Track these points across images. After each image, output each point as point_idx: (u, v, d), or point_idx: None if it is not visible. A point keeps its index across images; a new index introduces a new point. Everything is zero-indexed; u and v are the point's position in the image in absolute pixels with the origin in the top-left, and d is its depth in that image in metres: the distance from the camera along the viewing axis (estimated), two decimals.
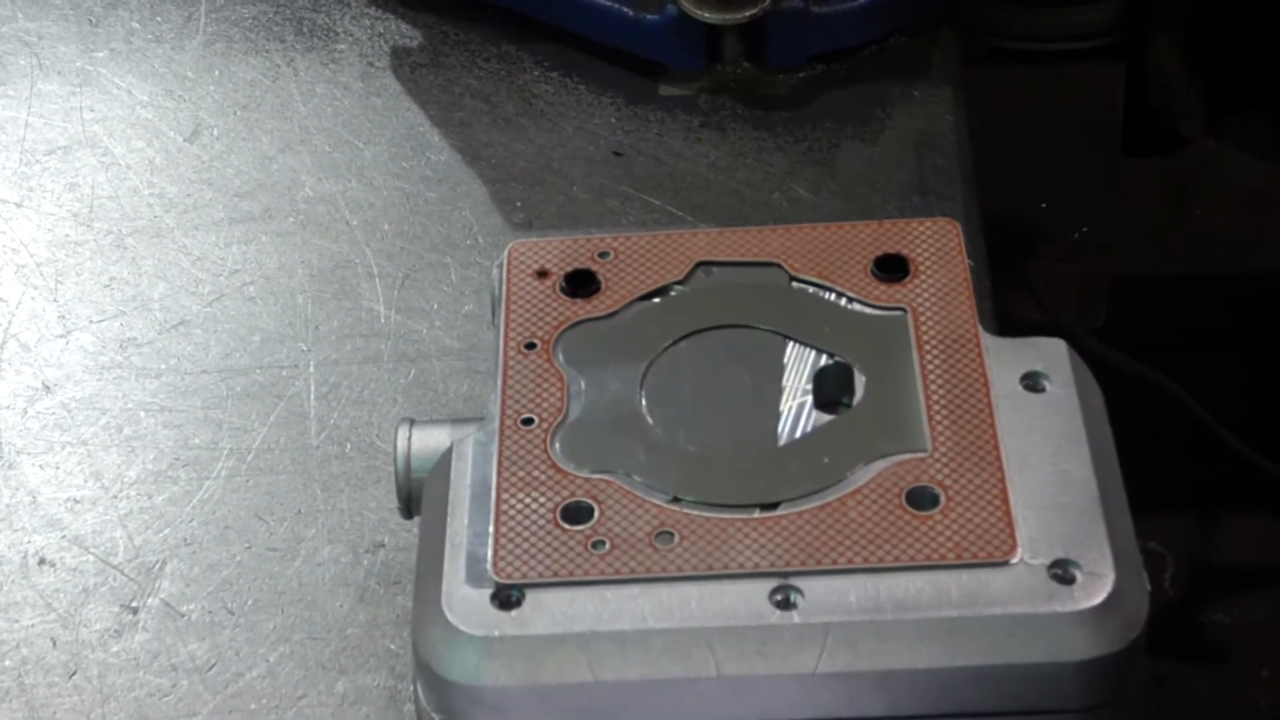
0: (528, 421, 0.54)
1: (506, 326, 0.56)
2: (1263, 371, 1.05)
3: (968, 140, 0.72)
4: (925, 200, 0.70)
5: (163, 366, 0.66)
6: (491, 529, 0.51)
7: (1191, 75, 1.11)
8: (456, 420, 0.56)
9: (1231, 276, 1.11)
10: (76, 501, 0.62)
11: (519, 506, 0.51)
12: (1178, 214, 1.13)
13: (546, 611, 0.49)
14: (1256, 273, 1.10)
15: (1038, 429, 0.53)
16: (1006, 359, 0.55)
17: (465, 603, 0.50)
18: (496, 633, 0.49)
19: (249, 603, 0.59)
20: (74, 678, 0.57)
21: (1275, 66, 1.08)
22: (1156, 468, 1.05)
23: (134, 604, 0.59)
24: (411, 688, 0.53)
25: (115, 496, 0.62)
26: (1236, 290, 1.09)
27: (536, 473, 0.52)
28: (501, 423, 0.54)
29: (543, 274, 0.58)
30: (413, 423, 0.56)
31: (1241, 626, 1.02)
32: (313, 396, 0.65)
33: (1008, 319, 0.68)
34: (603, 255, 0.58)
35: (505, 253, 0.58)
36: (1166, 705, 0.98)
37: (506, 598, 0.50)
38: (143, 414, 0.65)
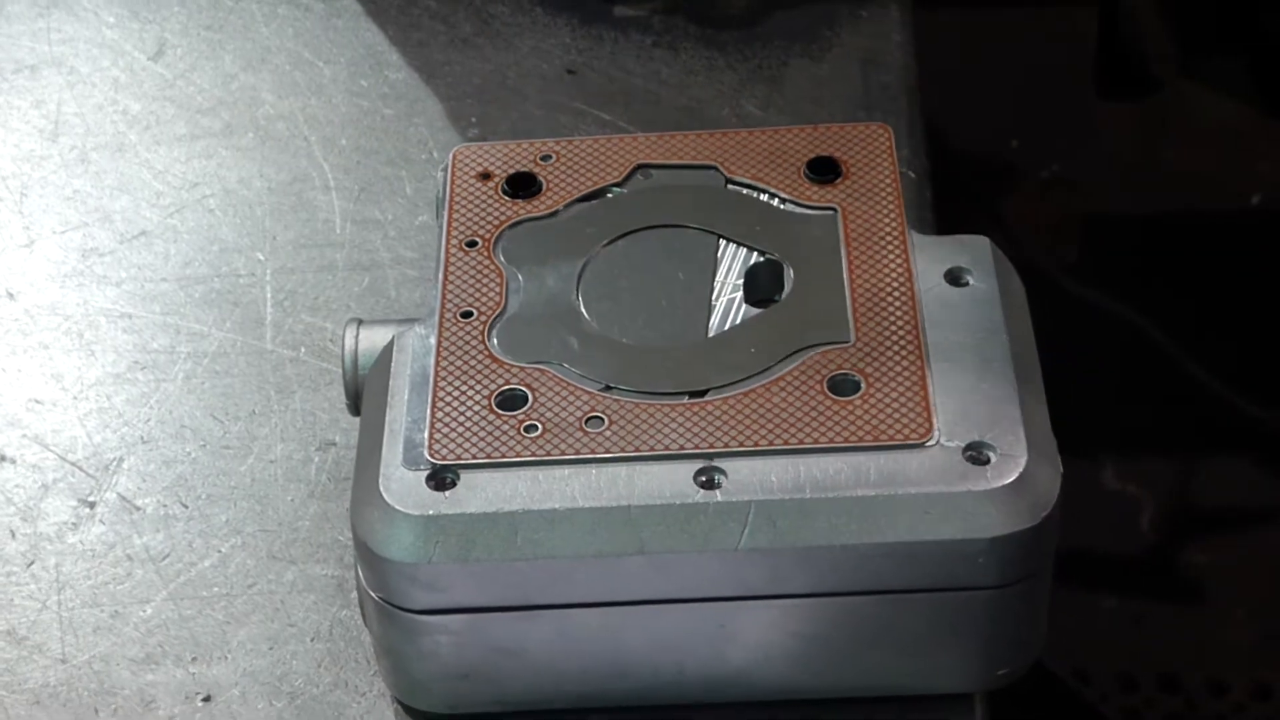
0: (466, 315, 0.55)
1: (449, 225, 0.58)
2: (1237, 310, 1.06)
3: (913, 59, 0.74)
4: (870, 116, 0.71)
5: (123, 275, 0.68)
6: (428, 414, 0.53)
7: (1163, 16, 1.12)
8: (403, 320, 0.58)
9: (1204, 215, 1.12)
10: (38, 402, 0.64)
11: (455, 394, 0.53)
12: (1150, 153, 1.14)
13: (480, 492, 0.51)
14: (1229, 211, 1.11)
15: (959, 321, 0.54)
16: (932, 255, 0.56)
17: (402, 484, 0.51)
18: (431, 512, 0.51)
19: (203, 497, 0.61)
20: (32, 567, 0.59)
21: (1245, 7, 1.10)
22: (1132, 408, 1.07)
23: (91, 498, 0.61)
24: (354, 571, 0.54)
25: (75, 397, 0.64)
26: (1209, 229, 1.11)
27: (474, 362, 0.54)
28: (441, 316, 0.55)
29: (486, 176, 0.60)
30: (360, 322, 0.58)
31: (1218, 567, 1.03)
32: (269, 303, 0.67)
33: None
34: (545, 158, 0.60)
35: (450, 156, 0.60)
36: (1143, 644, 1.00)
37: (442, 479, 0.51)
38: (103, 320, 0.66)
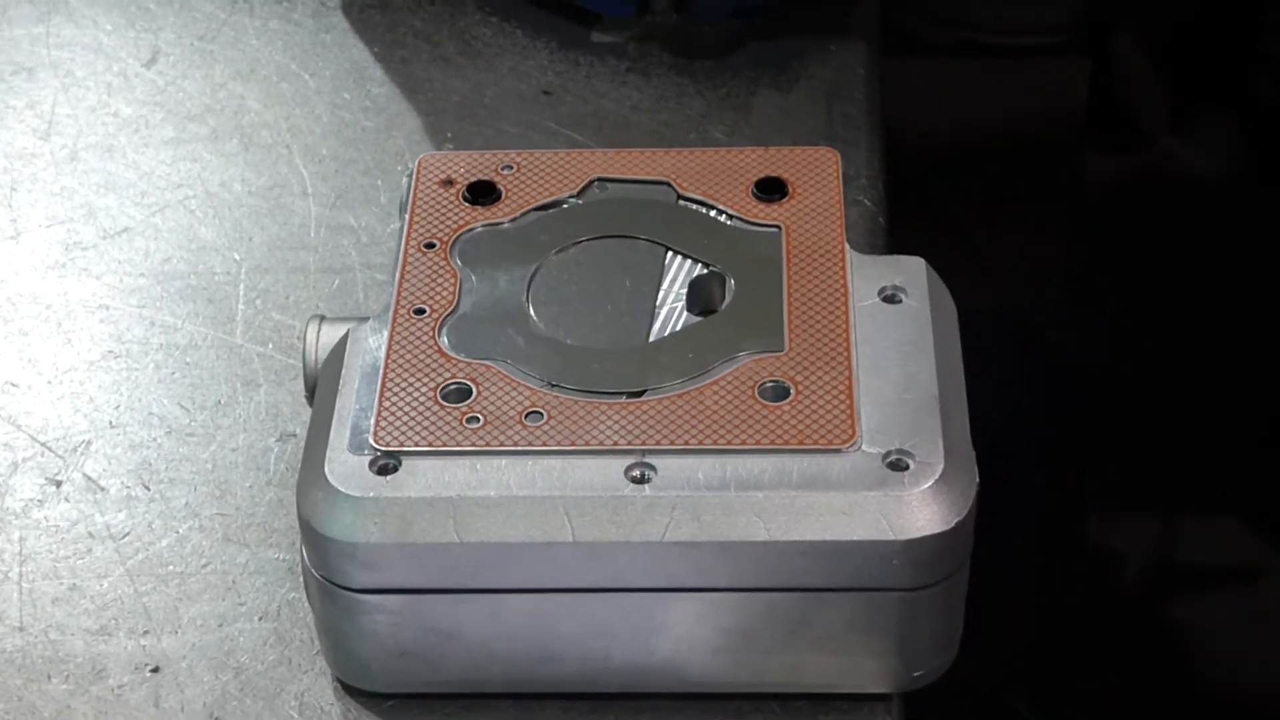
0: (419, 311, 0.58)
1: (409, 227, 0.61)
2: (1224, 365, 1.08)
3: (877, 92, 0.76)
4: (832, 145, 0.74)
5: (104, 269, 0.71)
6: (376, 403, 0.55)
7: (1155, 71, 1.15)
8: (363, 318, 0.60)
9: (1191, 271, 1.14)
10: (13, 385, 0.66)
11: (403, 385, 0.56)
12: (1138, 206, 1.16)
13: (420, 478, 0.53)
14: (1216, 267, 1.13)
15: (890, 336, 0.57)
16: (868, 274, 0.59)
17: (346, 467, 0.54)
18: (372, 494, 0.53)
19: (165, 480, 0.63)
20: None
21: (1238, 65, 1.12)
22: (1116, 461, 1.08)
23: (59, 477, 0.63)
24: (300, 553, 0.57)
25: (50, 382, 0.66)
26: (1196, 284, 1.12)
27: (423, 357, 0.56)
28: (395, 311, 0.58)
29: (448, 183, 0.62)
30: (322, 319, 0.60)
31: (1202, 624, 1.05)
32: (241, 300, 0.69)
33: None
34: (506, 168, 0.62)
35: (416, 162, 0.63)
36: (1128, 700, 1.01)
37: (385, 465, 0.54)
38: (81, 310, 0.69)
